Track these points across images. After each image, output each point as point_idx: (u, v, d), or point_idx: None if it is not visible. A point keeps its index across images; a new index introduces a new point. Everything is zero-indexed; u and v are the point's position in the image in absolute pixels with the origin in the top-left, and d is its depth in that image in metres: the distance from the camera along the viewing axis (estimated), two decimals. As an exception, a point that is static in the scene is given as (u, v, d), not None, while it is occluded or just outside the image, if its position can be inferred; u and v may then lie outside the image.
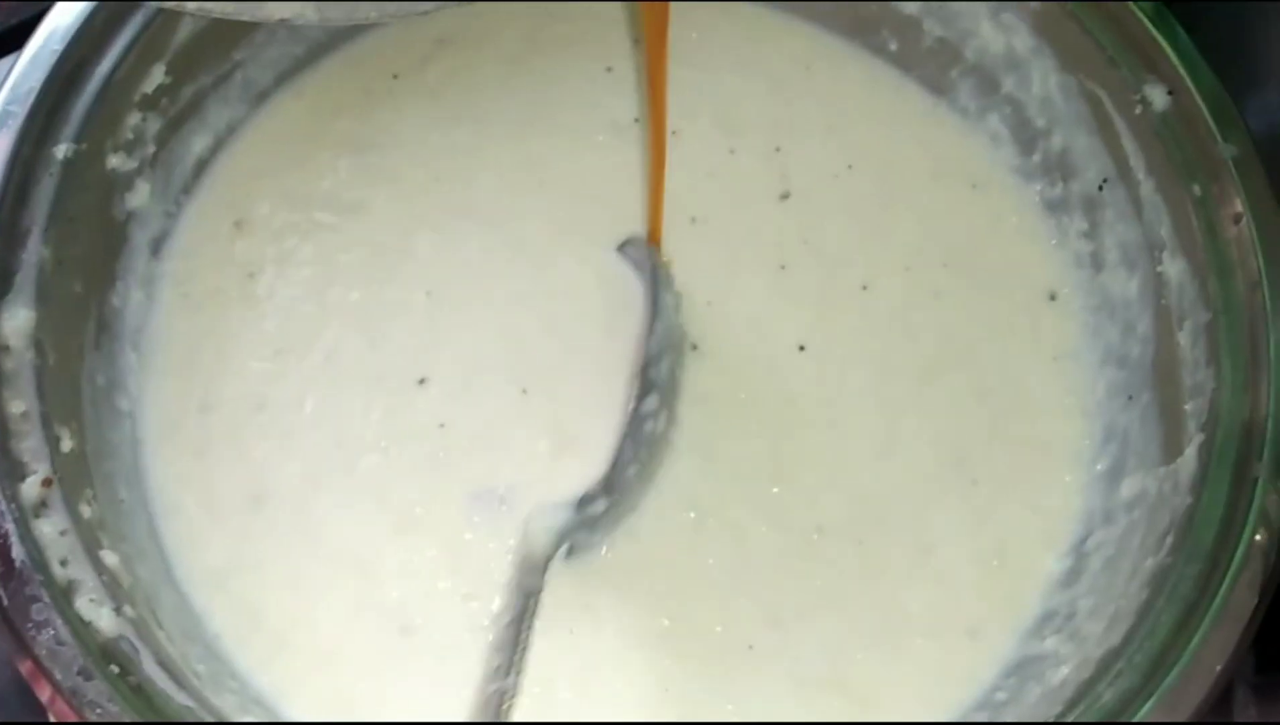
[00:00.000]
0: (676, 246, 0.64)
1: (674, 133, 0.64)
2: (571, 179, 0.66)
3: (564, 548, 0.56)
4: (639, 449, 0.58)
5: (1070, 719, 0.50)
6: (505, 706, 0.51)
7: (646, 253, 0.62)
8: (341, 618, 0.56)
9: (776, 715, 0.55)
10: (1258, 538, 0.51)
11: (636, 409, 0.58)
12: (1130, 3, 0.61)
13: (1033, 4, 0.63)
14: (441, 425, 0.59)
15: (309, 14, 0.36)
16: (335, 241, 0.63)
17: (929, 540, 0.59)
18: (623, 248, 0.64)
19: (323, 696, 0.54)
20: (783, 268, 0.65)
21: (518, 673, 0.51)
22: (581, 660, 0.55)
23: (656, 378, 0.59)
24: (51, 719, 0.57)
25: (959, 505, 0.60)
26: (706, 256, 0.65)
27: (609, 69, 0.69)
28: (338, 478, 0.58)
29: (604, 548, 0.58)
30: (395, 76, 0.68)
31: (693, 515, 0.59)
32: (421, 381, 0.60)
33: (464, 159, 0.66)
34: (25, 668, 0.46)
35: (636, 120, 0.68)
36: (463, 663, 0.55)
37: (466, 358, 0.61)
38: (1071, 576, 0.59)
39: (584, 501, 0.57)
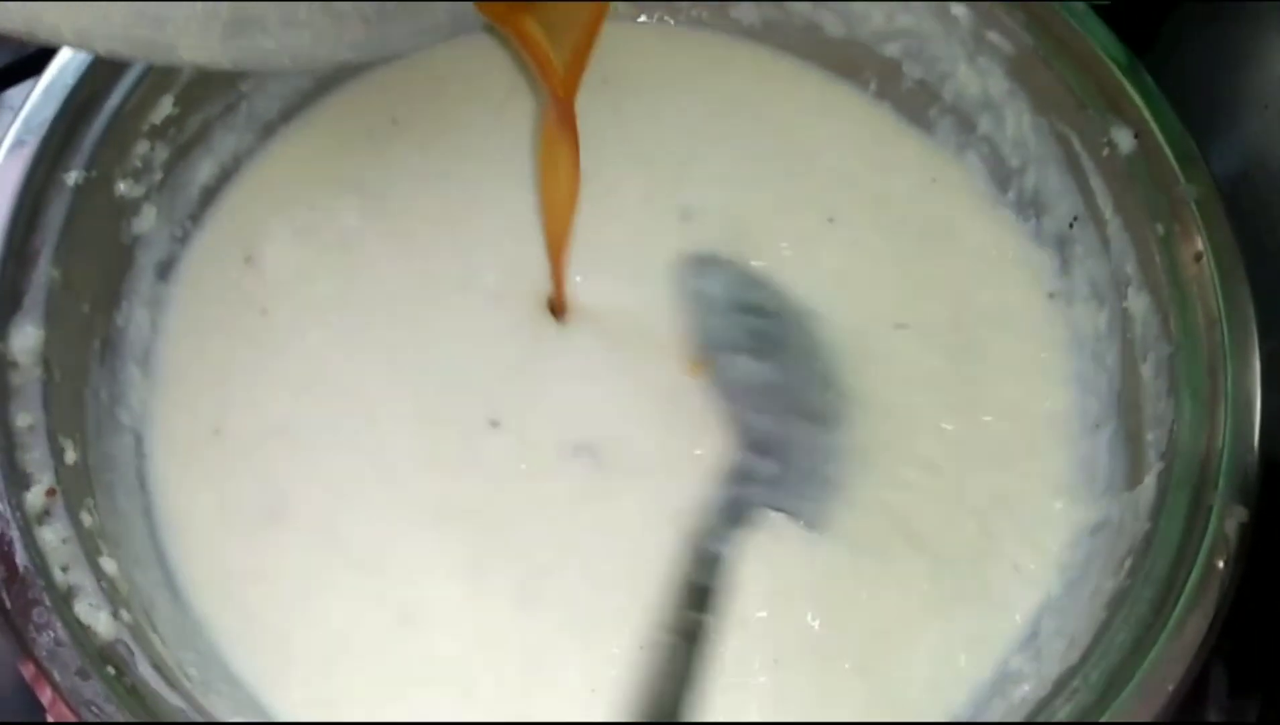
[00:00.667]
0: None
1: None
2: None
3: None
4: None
5: (1026, 734, 0.51)
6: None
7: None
8: (355, 622, 0.57)
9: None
10: (1213, 564, 0.53)
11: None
12: (1099, 50, 0.63)
13: (1007, 49, 0.66)
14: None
15: (222, 60, 0.37)
16: (347, 288, 0.65)
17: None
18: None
19: (327, 701, 0.56)
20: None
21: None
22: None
23: None
24: (50, 719, 0.59)
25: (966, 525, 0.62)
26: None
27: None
28: (371, 492, 0.60)
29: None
30: (394, 121, 0.70)
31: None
32: (494, 423, 0.62)
33: (463, 217, 0.68)
34: (26, 669, 0.48)
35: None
36: (485, 674, 0.57)
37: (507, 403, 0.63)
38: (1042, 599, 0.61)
39: (736, 475, 0.59)
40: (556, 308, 0.65)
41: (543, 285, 0.65)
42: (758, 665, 0.57)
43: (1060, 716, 0.51)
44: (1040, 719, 0.52)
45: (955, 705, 0.58)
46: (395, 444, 0.61)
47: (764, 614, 0.58)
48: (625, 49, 0.73)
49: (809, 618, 0.59)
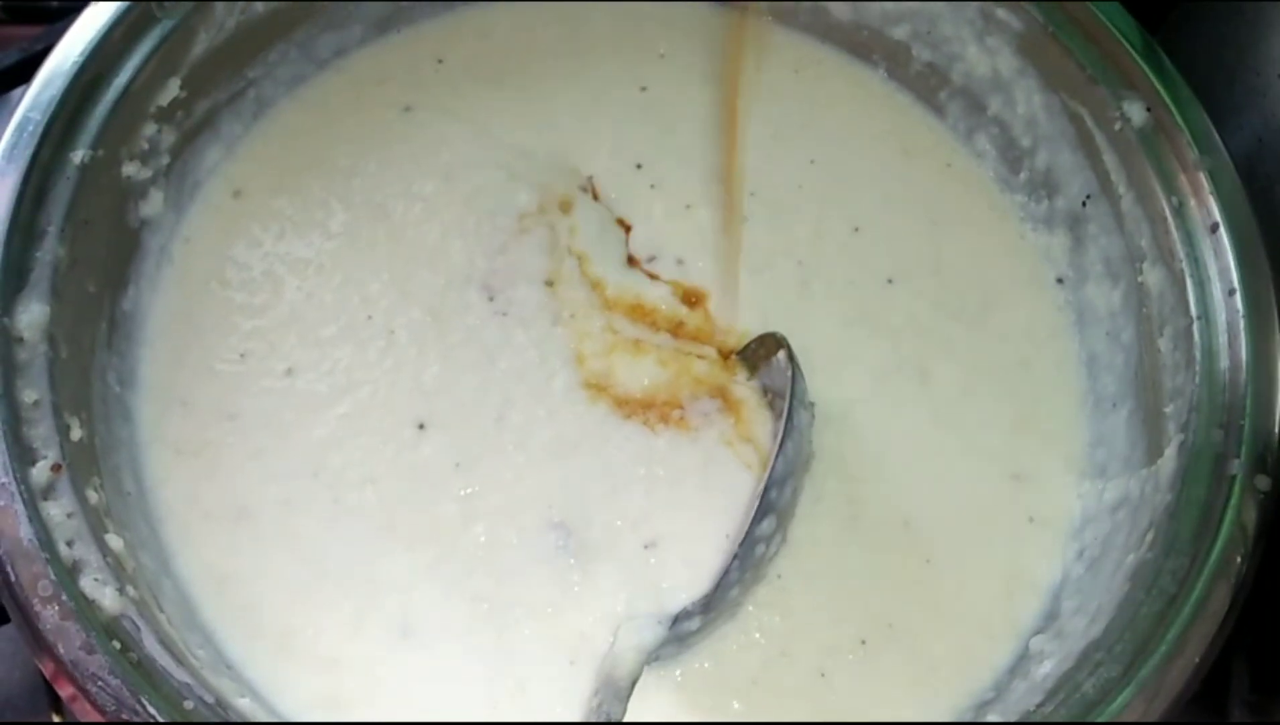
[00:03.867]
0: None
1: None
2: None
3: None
4: (745, 571, 0.57)
5: (1050, 708, 0.50)
6: None
7: (785, 365, 0.61)
8: (340, 627, 0.57)
9: None
10: (1239, 531, 0.52)
11: (751, 531, 0.56)
12: (1108, 23, 0.63)
13: (1016, 26, 0.66)
14: (456, 464, 0.61)
15: None
16: (314, 280, 0.65)
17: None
18: (746, 352, 0.64)
19: (319, 697, 0.55)
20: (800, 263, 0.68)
21: None
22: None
23: (778, 501, 0.58)
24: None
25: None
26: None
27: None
28: (321, 505, 0.59)
29: (695, 662, 0.57)
30: (407, 109, 0.70)
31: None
32: (421, 426, 0.61)
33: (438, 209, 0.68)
34: (29, 642, 0.47)
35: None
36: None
37: (450, 401, 0.62)
38: (1061, 579, 0.60)
39: (679, 618, 0.55)
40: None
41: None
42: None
43: (1085, 688, 0.50)
44: (1063, 693, 0.51)
45: (977, 688, 0.57)
46: (333, 448, 0.60)
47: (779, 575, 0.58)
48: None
49: (822, 599, 0.58)
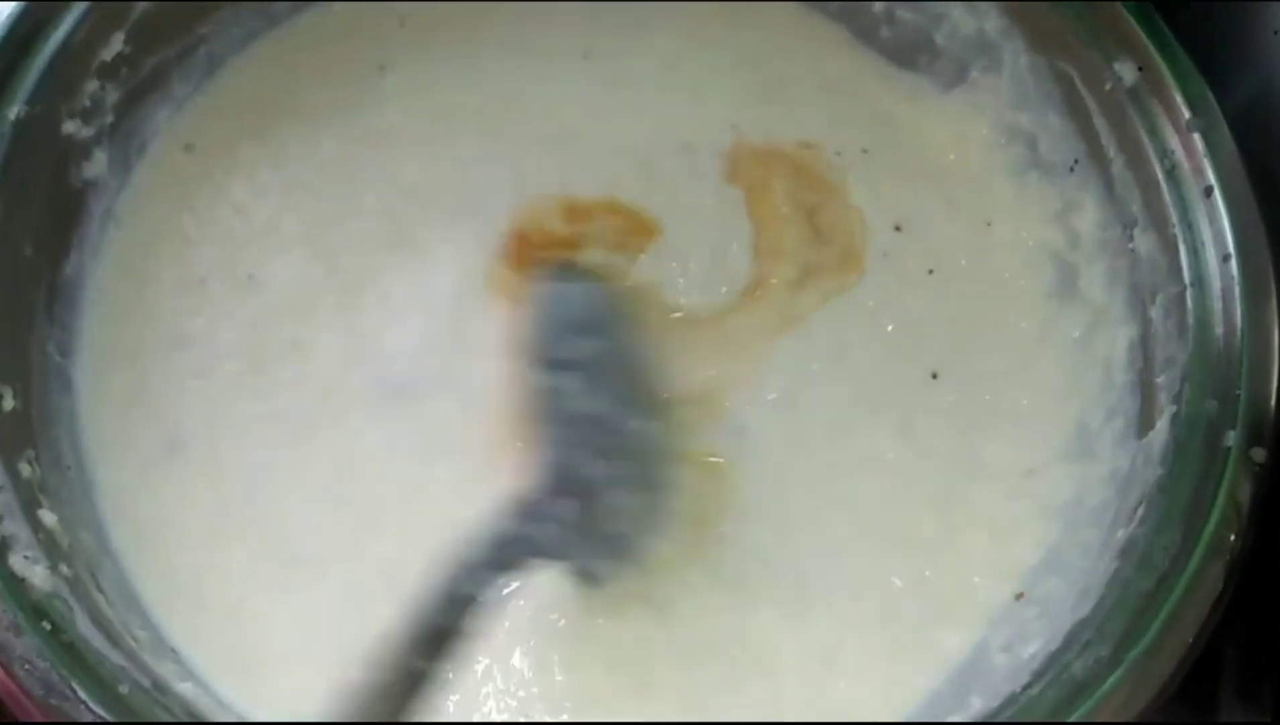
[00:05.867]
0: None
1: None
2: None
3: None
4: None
5: (1036, 689, 0.48)
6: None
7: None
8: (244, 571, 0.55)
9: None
10: (1233, 505, 0.50)
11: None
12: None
13: (1002, -14, 0.63)
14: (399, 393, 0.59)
15: None
16: (260, 236, 0.63)
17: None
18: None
19: (227, 654, 0.53)
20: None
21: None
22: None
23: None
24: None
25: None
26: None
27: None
28: (252, 424, 0.57)
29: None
30: (381, 67, 0.67)
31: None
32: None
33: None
34: (-46, 625, 0.45)
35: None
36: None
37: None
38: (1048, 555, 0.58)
39: (528, 505, 0.51)
40: None
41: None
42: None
43: (1074, 669, 0.48)
44: (1050, 673, 0.49)
45: (954, 666, 0.55)
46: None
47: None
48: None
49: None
